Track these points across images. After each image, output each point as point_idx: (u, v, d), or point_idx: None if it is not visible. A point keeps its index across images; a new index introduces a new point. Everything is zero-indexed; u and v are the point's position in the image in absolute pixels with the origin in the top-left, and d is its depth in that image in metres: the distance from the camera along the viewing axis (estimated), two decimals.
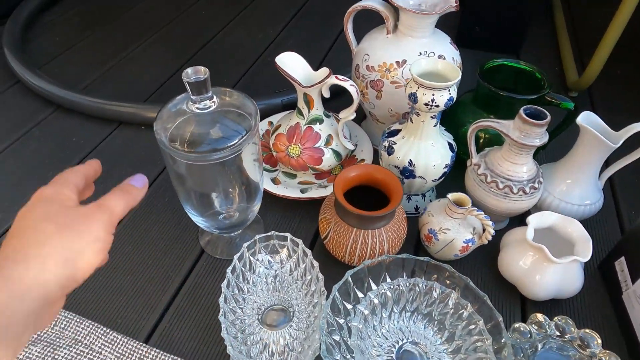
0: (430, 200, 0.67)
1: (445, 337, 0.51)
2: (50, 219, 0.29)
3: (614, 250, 0.58)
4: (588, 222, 0.66)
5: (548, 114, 0.53)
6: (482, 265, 0.61)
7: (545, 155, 0.77)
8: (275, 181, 0.69)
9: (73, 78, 0.96)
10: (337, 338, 0.48)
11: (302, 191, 0.67)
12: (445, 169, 0.60)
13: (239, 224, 0.59)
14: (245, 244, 0.55)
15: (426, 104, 0.54)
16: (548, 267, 0.52)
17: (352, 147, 0.68)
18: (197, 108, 0.47)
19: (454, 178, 0.67)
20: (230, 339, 0.47)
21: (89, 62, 1.02)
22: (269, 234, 0.56)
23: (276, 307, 0.54)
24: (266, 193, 0.67)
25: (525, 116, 0.53)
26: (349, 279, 0.50)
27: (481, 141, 0.67)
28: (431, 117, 0.57)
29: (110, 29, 1.15)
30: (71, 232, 0.29)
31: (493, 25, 1.02)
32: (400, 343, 0.51)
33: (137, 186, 0.35)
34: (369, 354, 0.49)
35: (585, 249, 0.52)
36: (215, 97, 0.48)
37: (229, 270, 0.52)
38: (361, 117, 0.81)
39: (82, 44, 1.08)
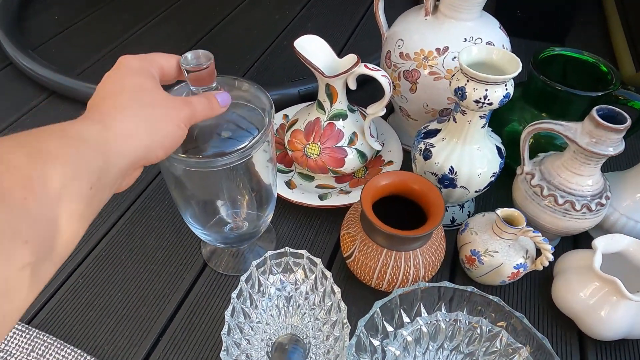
0: (470, 212, 0.58)
1: None
2: (140, 91, 0.30)
3: None
4: None
5: (628, 117, 0.43)
6: (532, 294, 0.51)
7: (608, 163, 0.67)
8: (290, 184, 0.60)
9: (71, 61, 0.87)
10: None
11: (321, 197, 0.58)
12: (492, 178, 0.51)
13: (249, 236, 0.51)
14: (255, 262, 0.47)
15: (477, 101, 0.44)
16: (619, 303, 0.43)
17: (379, 148, 0.59)
18: None
19: (497, 187, 0.58)
20: None
21: (89, 43, 0.93)
22: (282, 250, 0.48)
23: (289, 338, 0.46)
24: (279, 198, 0.58)
25: (599, 118, 0.43)
26: (378, 310, 0.42)
27: (530, 141, 0.58)
28: (480, 116, 0.47)
29: (115, 6, 1.06)
30: (158, 111, 0.30)
31: (536, 10, 0.91)
32: None
33: (220, 103, 0.36)
34: None
35: None
36: (220, 88, 0.39)
37: (234, 294, 0.44)
38: (389, 111, 0.72)
39: (83, 23, 1.00)
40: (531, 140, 0.57)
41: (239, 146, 0.38)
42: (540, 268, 0.47)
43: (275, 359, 0.45)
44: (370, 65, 0.52)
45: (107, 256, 0.54)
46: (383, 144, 0.65)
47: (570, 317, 0.48)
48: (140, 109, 0.29)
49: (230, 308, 0.43)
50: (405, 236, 0.43)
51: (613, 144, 0.44)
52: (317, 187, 0.61)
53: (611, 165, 0.66)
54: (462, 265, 0.51)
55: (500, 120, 0.59)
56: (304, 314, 0.47)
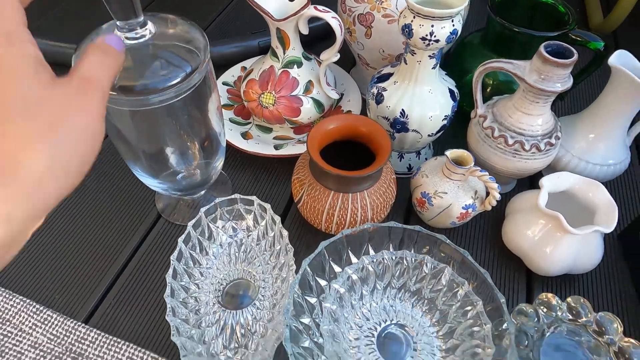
0: (426, 159, 0.58)
1: (437, 319, 0.43)
2: (21, 112, 0.19)
3: (638, 219, 0.49)
4: (609, 185, 0.57)
5: (575, 51, 0.43)
6: (484, 236, 0.52)
7: (563, 108, 0.66)
8: (246, 136, 0.59)
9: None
10: (306, 321, 0.40)
11: (277, 147, 0.57)
12: (445, 122, 0.50)
13: (201, 183, 0.50)
14: (203, 209, 0.46)
15: (423, 38, 0.43)
16: (562, 239, 0.44)
17: (336, 96, 0.58)
18: (127, 38, 0.37)
19: (455, 134, 0.58)
20: (177, 323, 0.39)
21: None
22: (233, 196, 0.47)
23: (239, 282, 0.47)
24: (235, 150, 0.57)
25: (546, 54, 0.42)
26: (324, 250, 0.42)
27: (488, 89, 0.57)
28: (429, 56, 0.46)
29: None
30: (58, 133, 0.20)
31: None
32: (384, 325, 0.44)
33: (116, 48, 0.26)
34: (344, 338, 0.42)
35: (609, 218, 0.43)
36: (150, 24, 0.38)
37: (180, 239, 0.44)
38: (351, 63, 0.70)
39: None
40: (494, 83, 0.57)
41: (172, 82, 0.37)
42: (489, 208, 0.48)
43: (226, 302, 0.45)
44: (320, 7, 0.50)
45: (59, 211, 0.54)
46: (342, 94, 0.64)
47: (519, 256, 0.48)
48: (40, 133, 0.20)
49: (176, 252, 0.43)
50: (350, 176, 0.42)
51: (560, 80, 0.44)
52: (274, 138, 0.60)
53: (566, 110, 0.66)
54: (414, 209, 0.51)
55: (462, 70, 0.58)
56: (255, 258, 0.47)
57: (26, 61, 0.21)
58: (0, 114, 0.19)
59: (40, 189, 0.19)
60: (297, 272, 0.42)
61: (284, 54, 0.55)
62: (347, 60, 0.67)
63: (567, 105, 0.67)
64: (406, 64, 0.48)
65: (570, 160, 0.52)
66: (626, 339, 0.39)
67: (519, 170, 0.49)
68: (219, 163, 0.50)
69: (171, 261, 0.42)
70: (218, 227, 0.48)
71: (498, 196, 0.46)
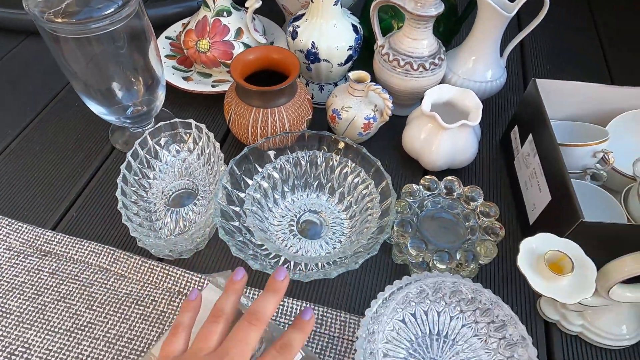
0: None
1: (344, 206, 0.53)
2: None
3: (511, 122, 0.61)
4: (492, 100, 0.68)
5: None
6: (390, 146, 0.63)
7: (457, 43, 0.77)
8: (187, 79, 0.68)
9: None
10: (236, 209, 0.50)
11: (214, 86, 0.66)
12: (350, 51, 0.60)
13: (146, 114, 0.59)
14: (148, 131, 0.55)
15: None
16: (441, 135, 0.55)
17: (264, 41, 0.67)
18: None
19: (366, 65, 0.67)
20: (129, 214, 0.48)
21: None
22: (173, 121, 0.56)
23: (184, 190, 0.56)
24: (179, 93, 0.66)
25: None
26: (248, 152, 0.51)
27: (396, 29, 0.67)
28: None
29: None
30: None
31: None
32: (302, 213, 0.54)
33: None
34: (270, 224, 0.51)
35: (475, 115, 0.54)
36: None
37: (129, 154, 0.53)
38: (282, 20, 0.79)
39: None
40: (400, 25, 0.67)
41: (107, 11, 0.45)
42: (387, 118, 0.58)
43: (172, 205, 0.54)
44: None
45: (22, 147, 0.61)
46: (272, 42, 0.73)
47: (416, 158, 0.59)
48: None
49: (125, 163, 0.52)
50: (267, 90, 0.52)
51: (434, 5, 0.54)
52: (213, 82, 0.69)
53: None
54: (330, 126, 0.61)
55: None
56: (196, 171, 0.56)
57: None
58: None
59: None
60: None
61: (214, 3, 0.63)
62: (279, 17, 0.76)
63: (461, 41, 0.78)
64: (313, 2, 0.57)
65: (457, 80, 0.63)
66: (485, 203, 0.50)
67: (412, 88, 0.60)
68: (161, 95, 0.59)
69: (121, 169, 0.51)
70: (163, 148, 0.56)
71: (391, 105, 0.56)
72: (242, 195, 0.51)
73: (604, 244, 0.42)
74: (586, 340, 0.45)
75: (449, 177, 0.52)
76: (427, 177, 0.52)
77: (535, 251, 0.41)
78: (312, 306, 0.46)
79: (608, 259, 0.40)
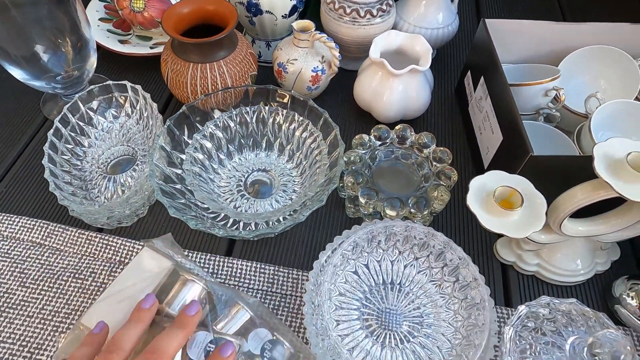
0: None
1: (295, 163, 0.51)
2: None
3: (464, 68, 0.59)
4: (448, 48, 0.66)
5: None
6: (343, 101, 0.60)
7: None
8: (124, 43, 0.63)
9: None
10: (179, 171, 0.47)
11: (152, 47, 0.62)
12: (294, 2, 0.57)
13: (78, 79, 0.54)
14: (78, 95, 0.51)
15: None
16: (392, 83, 0.52)
17: None
18: None
19: (315, 18, 0.64)
20: (60, 183, 0.45)
21: None
22: (106, 83, 0.52)
23: (123, 157, 0.52)
24: (116, 57, 0.61)
25: None
26: (186, 110, 0.48)
27: None
28: None
29: None
30: None
31: None
32: (250, 173, 0.51)
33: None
34: (214, 185, 0.49)
35: (425, 60, 0.52)
36: None
37: (56, 120, 0.49)
38: None
39: None
40: None
41: None
42: (335, 70, 0.55)
43: (111, 172, 0.50)
44: None
45: None
46: None
47: (368, 110, 0.57)
48: None
49: (52, 129, 0.48)
50: (202, 42, 0.48)
51: None
52: (153, 44, 0.65)
53: None
54: (278, 83, 0.58)
55: None
56: (136, 135, 0.53)
57: None
58: None
59: None
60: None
61: None
62: None
63: None
64: None
65: (408, 27, 0.60)
66: (438, 148, 0.49)
67: (361, 37, 0.57)
68: (92, 58, 0.54)
69: (48, 136, 0.47)
70: (97, 114, 0.52)
71: (338, 54, 0.53)
72: (183, 157, 0.48)
73: (554, 178, 0.41)
74: (542, 279, 0.45)
75: (400, 125, 0.50)
76: (378, 126, 0.50)
77: (485, 189, 0.39)
78: (264, 266, 0.44)
79: (559, 193, 0.39)
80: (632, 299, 0.42)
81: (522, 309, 0.37)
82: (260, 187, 0.50)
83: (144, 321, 0.33)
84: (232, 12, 0.50)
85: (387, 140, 0.50)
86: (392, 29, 0.59)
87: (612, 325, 0.35)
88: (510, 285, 0.45)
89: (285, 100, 0.50)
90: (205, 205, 0.45)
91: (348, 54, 0.60)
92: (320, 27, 0.58)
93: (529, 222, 0.37)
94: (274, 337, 0.36)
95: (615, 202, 0.38)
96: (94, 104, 0.52)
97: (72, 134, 0.50)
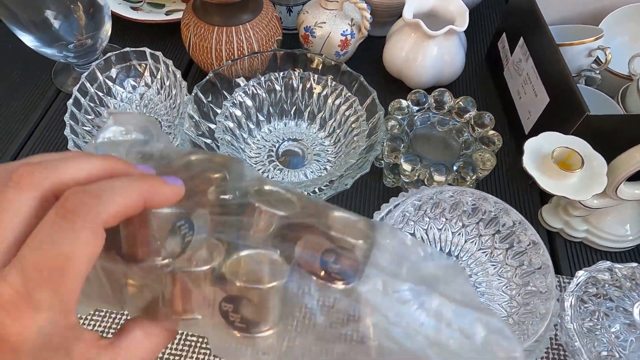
0: None
1: (327, 132, 0.49)
2: None
3: (496, 32, 0.56)
4: (479, 9, 0.63)
5: None
6: (371, 69, 0.57)
7: None
8: (137, 10, 0.60)
9: None
10: (208, 141, 0.44)
11: (167, 14, 0.58)
12: None
13: (92, 47, 0.51)
14: (94, 63, 0.48)
15: None
16: (427, 46, 0.50)
17: None
18: None
19: None
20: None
21: None
22: (124, 50, 0.49)
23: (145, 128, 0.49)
24: (129, 25, 0.58)
25: None
26: (212, 77, 0.45)
27: None
28: None
29: None
30: None
31: None
32: (281, 143, 0.49)
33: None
34: (239, 148, 0.46)
35: (462, 20, 0.49)
36: None
37: (75, 89, 0.46)
38: None
39: None
40: None
41: None
42: (365, 33, 0.52)
43: None
44: None
45: None
46: None
47: (399, 78, 0.54)
48: None
49: (71, 99, 0.45)
50: (227, 2, 0.45)
51: None
52: (167, 11, 0.61)
53: None
54: (304, 48, 0.55)
55: None
56: (157, 106, 0.50)
57: None
58: None
59: None
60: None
61: None
62: None
63: None
64: None
65: None
66: (479, 112, 0.46)
67: (392, 0, 0.54)
68: (107, 26, 0.51)
69: (68, 106, 0.44)
70: (115, 84, 0.49)
71: (369, 16, 0.51)
72: (212, 126, 0.45)
73: (609, 140, 0.39)
74: (590, 245, 0.43)
75: (439, 89, 0.48)
76: (417, 90, 0.48)
77: (541, 151, 0.37)
78: None
79: (614, 156, 0.38)
80: None
81: (582, 274, 0.36)
82: (292, 159, 0.48)
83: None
84: None
85: (425, 106, 0.47)
86: None
87: None
88: (558, 253, 0.43)
89: (315, 65, 0.48)
90: None
91: (376, 18, 0.57)
92: None
93: (589, 184, 0.35)
94: None
95: None
96: (113, 73, 0.49)
97: (92, 105, 0.47)
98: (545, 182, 0.35)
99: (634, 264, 0.36)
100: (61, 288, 0.15)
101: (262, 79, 0.48)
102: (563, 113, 0.41)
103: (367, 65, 0.58)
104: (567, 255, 0.43)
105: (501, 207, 0.37)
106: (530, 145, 0.37)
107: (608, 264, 0.36)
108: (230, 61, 0.46)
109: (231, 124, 0.46)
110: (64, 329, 0.15)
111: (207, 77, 0.45)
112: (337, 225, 0.19)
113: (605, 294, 0.34)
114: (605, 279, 0.35)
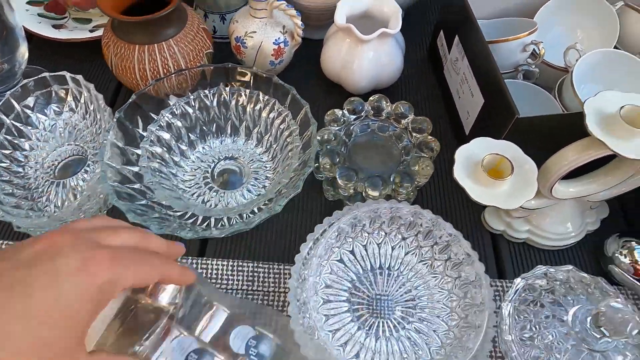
0: None
1: (264, 147, 0.47)
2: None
3: (435, 28, 0.55)
4: (418, 6, 0.62)
5: None
6: (310, 74, 0.56)
7: None
8: (59, 28, 0.56)
9: None
10: (136, 169, 0.42)
11: (92, 31, 0.55)
12: None
13: (9, 73, 0.48)
14: (9, 92, 0.45)
15: None
16: (361, 50, 0.48)
17: None
18: None
19: None
20: (3, 208, 0.39)
21: None
22: (41, 76, 0.46)
23: (73, 158, 0.47)
24: (53, 45, 0.54)
25: None
26: (136, 99, 0.43)
27: None
28: None
29: None
30: None
31: None
32: (216, 163, 0.47)
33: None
34: (177, 180, 0.44)
35: (395, 22, 0.48)
36: None
37: None
38: None
39: None
40: None
41: None
42: (299, 40, 0.51)
43: (59, 177, 0.45)
44: None
45: None
46: None
47: (337, 82, 0.53)
48: None
49: None
50: (145, 20, 0.42)
51: None
52: (93, 27, 0.58)
53: None
54: (238, 60, 0.53)
55: None
56: (82, 133, 0.47)
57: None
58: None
59: None
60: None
61: None
62: None
63: None
64: None
65: None
66: (416, 117, 0.45)
67: (323, 2, 0.52)
68: (22, 48, 0.48)
69: None
70: (35, 111, 0.46)
71: (300, 23, 0.49)
72: (140, 152, 0.43)
73: (542, 140, 0.39)
74: (534, 245, 0.43)
75: (375, 96, 0.46)
76: (351, 98, 0.46)
77: (472, 158, 0.36)
78: (241, 263, 0.41)
79: (548, 156, 0.37)
80: (625, 257, 0.41)
81: (519, 282, 0.35)
82: (230, 177, 0.46)
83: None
84: None
85: (362, 114, 0.46)
86: None
87: (611, 289, 0.34)
88: (502, 255, 0.43)
89: (247, 79, 0.46)
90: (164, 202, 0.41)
91: (311, 21, 0.56)
92: None
93: (521, 190, 0.35)
94: (257, 333, 0.33)
95: (604, 160, 0.36)
96: (30, 101, 0.46)
97: (9, 137, 0.44)
98: (476, 192, 0.34)
99: (569, 267, 0.35)
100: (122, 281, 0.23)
101: (192, 96, 0.45)
102: (496, 115, 0.40)
103: (307, 70, 0.56)
104: (512, 256, 0.43)
105: (434, 220, 0.36)
106: (461, 153, 0.36)
107: (544, 268, 0.35)
108: (153, 81, 0.44)
109: (159, 149, 0.43)
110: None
111: (130, 100, 0.42)
112: None
113: (542, 303, 0.34)
114: (542, 284, 0.35)
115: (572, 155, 0.35)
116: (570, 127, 0.38)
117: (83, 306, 0.21)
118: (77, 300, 0.21)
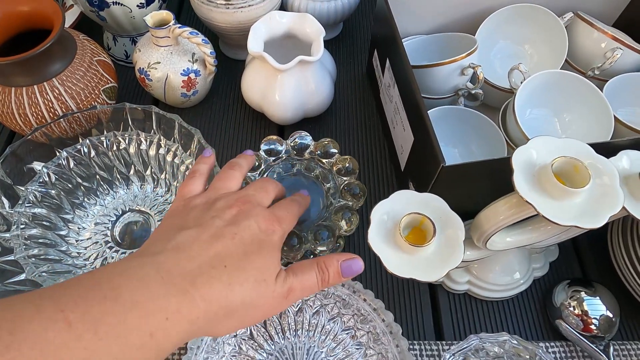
0: None
1: (172, 192, 0.41)
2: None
3: (371, 45, 0.50)
4: (348, 24, 0.56)
5: None
6: (236, 100, 0.50)
7: None
8: None
9: None
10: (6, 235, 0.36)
11: None
12: None
13: None
14: None
15: None
16: (282, 80, 0.43)
17: None
18: None
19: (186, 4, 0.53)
20: None
21: None
22: None
23: None
24: None
25: None
26: (13, 151, 0.37)
27: None
28: None
29: None
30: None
31: None
32: (117, 218, 0.41)
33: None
34: (58, 238, 0.38)
35: (317, 47, 0.42)
36: None
37: None
38: None
39: None
40: None
41: None
42: (212, 69, 0.45)
43: None
44: None
45: None
46: None
47: (260, 112, 0.47)
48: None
49: None
50: (17, 60, 0.36)
51: None
52: None
53: None
54: (146, 90, 0.47)
55: None
56: None
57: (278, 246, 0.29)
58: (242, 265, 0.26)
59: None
60: None
61: None
62: None
63: None
64: None
65: (300, 3, 0.50)
66: (342, 157, 0.40)
67: (240, 23, 0.46)
68: None
69: None
70: None
71: (209, 51, 0.43)
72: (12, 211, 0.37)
73: (474, 187, 0.34)
74: (475, 296, 0.39)
75: (297, 133, 0.41)
76: (269, 137, 0.41)
77: (393, 217, 0.31)
78: None
79: (484, 201, 0.32)
80: (574, 308, 0.36)
81: (448, 358, 0.31)
82: (135, 232, 0.41)
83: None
84: (56, 12, 0.38)
85: (282, 155, 0.41)
86: (280, 8, 0.49)
87: None
88: (439, 307, 0.38)
89: (140, 118, 0.40)
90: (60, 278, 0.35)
91: (230, 41, 0.50)
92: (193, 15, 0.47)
93: (445, 256, 0.30)
94: None
95: None
96: None
97: None
98: (394, 262, 0.29)
99: (505, 337, 0.31)
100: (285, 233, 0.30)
101: (83, 145, 0.39)
102: (425, 157, 0.35)
103: (231, 95, 0.50)
104: (451, 309, 0.39)
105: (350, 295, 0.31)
106: (377, 212, 0.31)
107: (476, 340, 0.31)
108: (35, 129, 0.37)
109: (41, 210, 0.37)
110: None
111: (7, 153, 0.36)
112: None
113: None
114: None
115: (505, 210, 0.30)
116: (505, 171, 0.33)
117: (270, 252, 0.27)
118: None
